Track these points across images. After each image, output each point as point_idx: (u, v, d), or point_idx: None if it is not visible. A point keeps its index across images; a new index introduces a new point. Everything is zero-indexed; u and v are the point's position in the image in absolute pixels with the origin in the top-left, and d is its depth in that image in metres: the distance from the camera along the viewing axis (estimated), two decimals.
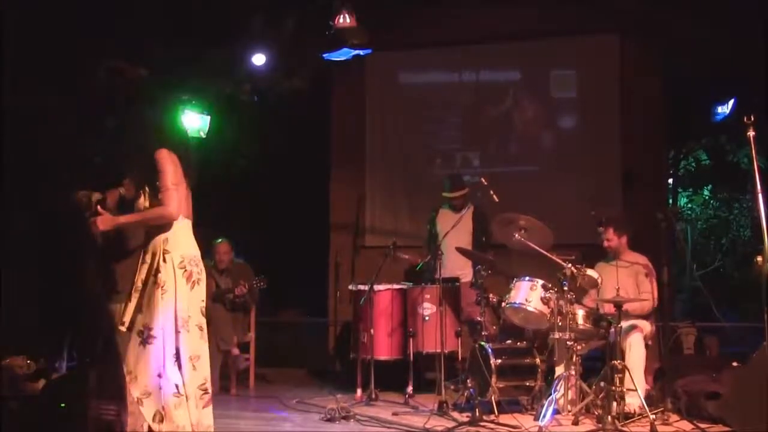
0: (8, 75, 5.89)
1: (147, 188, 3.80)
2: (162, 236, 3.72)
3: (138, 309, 3.64)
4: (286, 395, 6.37)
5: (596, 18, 7.71)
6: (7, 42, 5.84)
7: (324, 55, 6.79)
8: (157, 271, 3.65)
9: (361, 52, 6.76)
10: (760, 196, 3.82)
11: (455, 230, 6.21)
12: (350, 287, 6.87)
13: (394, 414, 5.54)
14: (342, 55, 6.71)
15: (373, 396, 6.09)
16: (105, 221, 3.80)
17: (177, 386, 3.59)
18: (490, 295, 5.75)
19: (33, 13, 6.05)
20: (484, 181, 6.14)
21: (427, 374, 6.55)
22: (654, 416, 4.87)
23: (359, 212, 8.25)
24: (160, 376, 3.56)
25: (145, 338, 3.58)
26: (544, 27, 7.79)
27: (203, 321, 3.76)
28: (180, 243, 3.74)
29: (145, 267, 3.72)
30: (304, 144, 8.79)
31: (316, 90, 8.36)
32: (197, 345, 3.70)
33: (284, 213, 9.01)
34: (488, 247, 6.52)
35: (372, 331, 6.28)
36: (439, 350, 5.96)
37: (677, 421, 5.06)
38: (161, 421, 3.55)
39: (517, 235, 5.61)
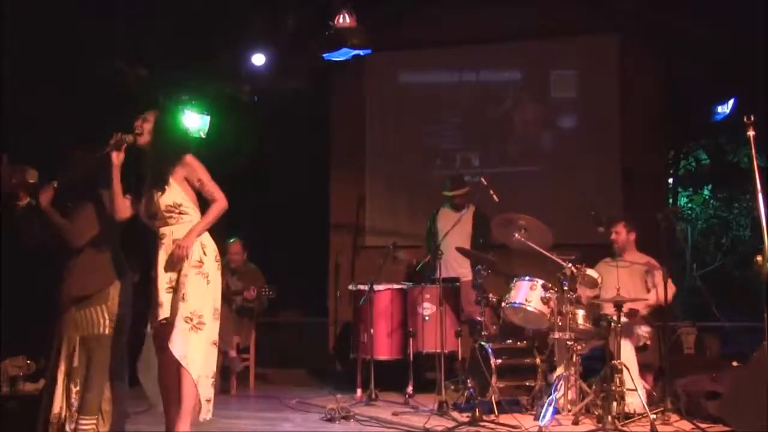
0: (7, 75, 5.89)
1: (159, 186, 3.89)
2: None
3: (180, 298, 3.79)
4: (286, 395, 6.36)
5: (596, 18, 7.71)
6: (7, 42, 5.84)
7: (324, 55, 6.79)
8: (200, 263, 3.86)
9: (361, 52, 6.75)
10: (760, 195, 3.81)
11: (455, 230, 6.20)
12: (350, 287, 6.87)
13: (394, 414, 5.53)
14: (342, 55, 6.71)
15: (373, 396, 6.09)
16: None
17: (212, 369, 3.89)
18: (490, 295, 5.74)
19: (33, 12, 6.05)
20: (484, 181, 6.12)
21: (427, 374, 6.56)
22: (654, 416, 4.87)
23: (359, 212, 8.26)
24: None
25: (196, 324, 3.79)
26: (544, 27, 7.80)
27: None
28: (209, 238, 3.99)
29: (185, 261, 3.86)
30: (304, 144, 8.78)
31: (316, 90, 8.36)
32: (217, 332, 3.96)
33: (284, 213, 9.00)
34: (488, 248, 6.52)
35: (372, 331, 6.28)
36: (439, 350, 5.96)
37: (677, 421, 5.06)
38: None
39: (517, 235, 5.61)
